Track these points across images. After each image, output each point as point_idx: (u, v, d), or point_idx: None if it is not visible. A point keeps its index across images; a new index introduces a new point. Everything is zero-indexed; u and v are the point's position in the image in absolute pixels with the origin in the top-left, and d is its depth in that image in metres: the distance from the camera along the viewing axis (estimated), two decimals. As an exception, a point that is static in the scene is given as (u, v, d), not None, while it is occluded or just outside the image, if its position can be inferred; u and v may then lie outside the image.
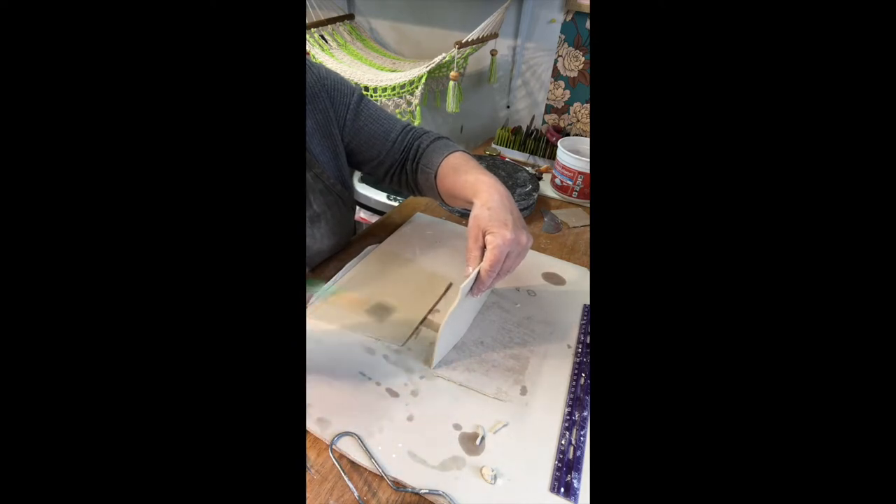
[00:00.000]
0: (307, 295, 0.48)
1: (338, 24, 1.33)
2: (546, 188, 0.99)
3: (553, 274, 0.71)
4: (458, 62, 1.06)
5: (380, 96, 1.15)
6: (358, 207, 1.35)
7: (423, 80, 1.09)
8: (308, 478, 0.41)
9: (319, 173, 0.63)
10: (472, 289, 0.49)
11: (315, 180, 0.63)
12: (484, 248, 0.49)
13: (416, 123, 1.08)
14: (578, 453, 0.45)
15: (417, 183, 0.66)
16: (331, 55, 1.25)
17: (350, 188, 0.70)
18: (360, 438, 0.43)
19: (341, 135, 0.65)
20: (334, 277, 0.64)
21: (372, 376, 0.50)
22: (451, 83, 1.09)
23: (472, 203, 0.53)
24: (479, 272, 0.48)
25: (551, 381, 0.52)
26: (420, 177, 0.65)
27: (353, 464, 0.42)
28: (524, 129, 1.20)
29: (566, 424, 0.47)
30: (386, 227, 0.78)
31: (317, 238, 0.64)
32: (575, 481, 0.42)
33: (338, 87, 0.64)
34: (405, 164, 0.67)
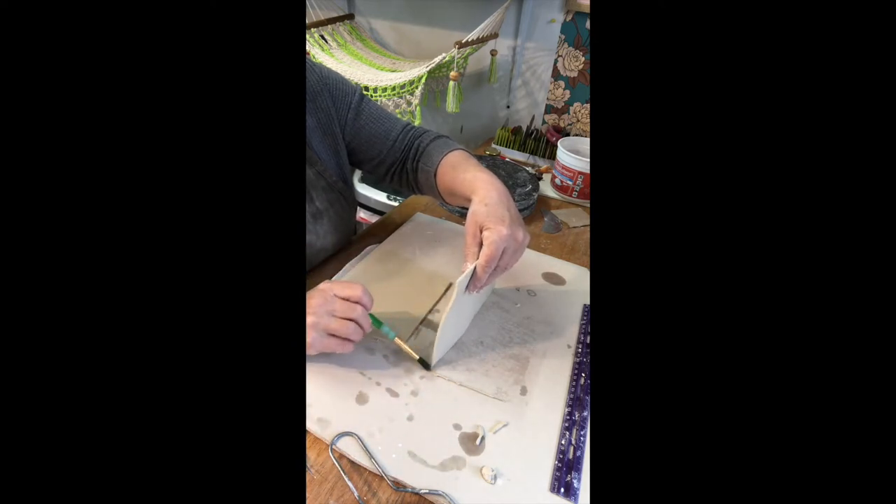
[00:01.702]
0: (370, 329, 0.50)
1: (338, 24, 1.33)
2: (546, 188, 0.99)
3: (553, 274, 0.71)
4: (458, 62, 1.06)
5: (380, 96, 1.15)
6: (358, 207, 1.35)
7: (423, 80, 1.09)
8: (308, 478, 0.41)
9: (322, 170, 0.63)
10: (468, 285, 0.49)
11: (317, 177, 0.63)
12: (481, 244, 0.49)
13: (416, 123, 1.08)
14: (578, 453, 0.45)
15: (418, 182, 0.66)
16: (331, 55, 1.25)
17: (351, 186, 0.70)
18: (360, 438, 0.43)
19: (342, 133, 0.66)
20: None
21: (372, 376, 0.50)
22: (451, 83, 1.09)
23: (470, 200, 0.53)
24: (475, 268, 0.48)
25: (551, 381, 0.52)
26: (420, 175, 0.65)
27: (353, 464, 0.42)
28: (524, 129, 1.20)
29: (566, 424, 0.47)
30: (386, 227, 0.78)
31: (319, 235, 0.64)
32: (575, 481, 0.42)
33: (339, 87, 0.64)
34: (405, 163, 0.67)
